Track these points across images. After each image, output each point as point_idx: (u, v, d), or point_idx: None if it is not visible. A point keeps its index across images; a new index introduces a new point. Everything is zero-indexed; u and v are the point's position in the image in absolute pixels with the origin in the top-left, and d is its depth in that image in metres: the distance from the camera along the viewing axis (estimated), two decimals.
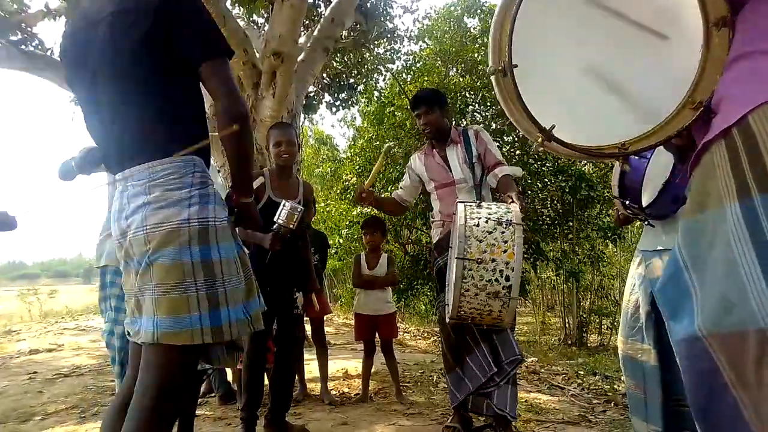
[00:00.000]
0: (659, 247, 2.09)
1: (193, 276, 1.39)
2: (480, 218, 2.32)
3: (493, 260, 2.22)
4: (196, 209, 1.41)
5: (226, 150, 1.48)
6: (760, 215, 0.79)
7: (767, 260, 0.78)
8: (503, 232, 2.25)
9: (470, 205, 2.40)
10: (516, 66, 1.08)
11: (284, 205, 2.49)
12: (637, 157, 1.99)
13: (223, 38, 1.47)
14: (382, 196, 3.31)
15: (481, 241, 2.25)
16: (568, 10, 1.12)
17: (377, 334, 3.80)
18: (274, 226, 2.48)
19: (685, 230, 0.93)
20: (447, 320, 2.43)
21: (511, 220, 2.28)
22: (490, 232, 2.26)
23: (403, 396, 3.70)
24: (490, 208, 2.37)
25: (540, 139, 1.09)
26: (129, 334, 1.58)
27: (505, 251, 2.23)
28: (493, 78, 1.13)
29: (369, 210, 8.26)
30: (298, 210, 2.48)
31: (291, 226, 2.47)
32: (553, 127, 1.08)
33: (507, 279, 2.21)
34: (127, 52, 1.41)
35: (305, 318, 3.64)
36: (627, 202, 2.13)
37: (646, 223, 2.18)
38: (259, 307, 1.57)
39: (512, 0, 1.07)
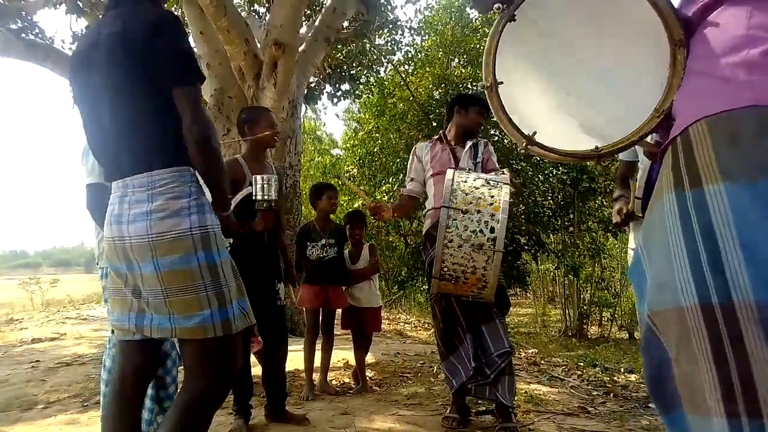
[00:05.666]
0: None
1: (202, 278, 1.54)
2: (469, 178, 2.37)
3: (479, 212, 2.24)
4: (196, 218, 1.54)
5: (198, 172, 1.61)
6: (689, 206, 0.92)
7: (692, 245, 0.90)
8: (490, 189, 2.30)
9: (460, 171, 2.46)
10: (501, 83, 1.30)
11: (256, 180, 2.48)
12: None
13: (194, 65, 1.56)
14: (397, 203, 3.25)
15: (467, 194, 2.28)
16: (550, 32, 1.31)
17: (363, 327, 3.81)
18: (256, 205, 2.48)
19: (644, 223, 1.07)
20: (432, 286, 2.46)
21: (498, 181, 2.34)
22: (477, 188, 2.31)
23: (367, 386, 3.71)
24: (479, 174, 2.46)
25: (524, 144, 1.29)
26: (113, 331, 1.73)
27: (491, 204, 2.26)
28: (486, 92, 1.34)
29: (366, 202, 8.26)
30: (272, 180, 2.48)
31: (270, 196, 2.47)
32: (534, 133, 1.28)
33: (492, 231, 2.22)
34: (121, 71, 1.52)
35: (319, 309, 3.69)
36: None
37: None
38: (248, 304, 1.71)
39: (496, 29, 1.29)
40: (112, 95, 1.54)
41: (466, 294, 2.49)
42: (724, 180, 0.90)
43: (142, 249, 1.52)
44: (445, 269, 2.32)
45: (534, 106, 1.36)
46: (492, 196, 2.26)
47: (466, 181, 2.32)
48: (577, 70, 1.31)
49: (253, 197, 2.47)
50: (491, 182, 2.33)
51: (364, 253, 3.83)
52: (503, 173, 2.56)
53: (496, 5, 1.28)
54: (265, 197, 2.45)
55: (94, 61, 1.56)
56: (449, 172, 2.41)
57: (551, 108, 1.36)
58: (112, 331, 2.35)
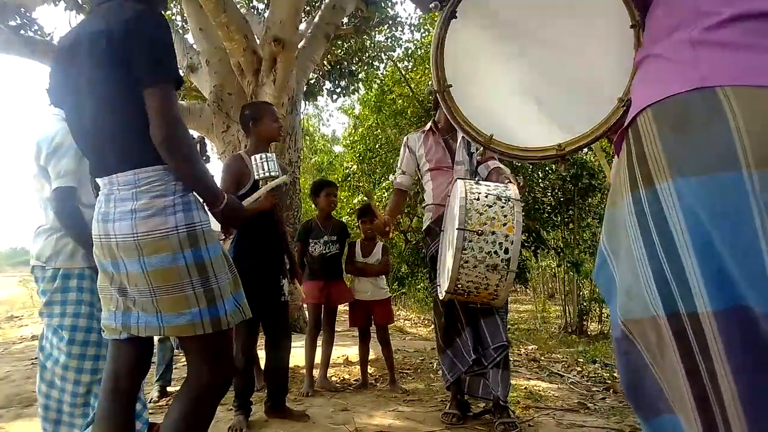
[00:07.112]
0: None
1: (189, 276, 1.52)
2: (480, 193, 2.37)
3: (493, 233, 2.26)
4: (182, 216, 1.52)
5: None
6: (645, 207, 0.85)
7: (652, 249, 0.84)
8: (503, 207, 2.31)
9: (469, 182, 2.46)
10: (451, 86, 1.25)
11: (254, 160, 2.47)
12: None
13: (167, 67, 1.51)
14: (389, 206, 3.17)
15: (481, 214, 2.29)
16: (500, 22, 1.24)
17: (372, 320, 3.81)
18: (260, 183, 2.47)
19: (606, 222, 1.00)
20: (442, 296, 2.46)
21: (510, 196, 2.35)
22: (490, 206, 2.31)
23: (397, 385, 3.70)
24: (489, 186, 2.44)
25: (481, 149, 1.22)
26: (103, 330, 1.70)
27: (504, 224, 2.28)
28: (437, 96, 1.28)
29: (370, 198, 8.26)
30: (267, 156, 2.46)
31: (270, 172, 2.45)
32: (491, 136, 1.24)
33: (506, 252, 2.25)
34: (103, 70, 1.50)
35: (322, 304, 3.69)
36: None
37: None
38: (244, 298, 1.70)
39: (439, 29, 1.23)
40: (96, 93, 1.52)
41: (475, 302, 2.50)
42: (672, 176, 0.82)
43: (128, 248, 1.51)
44: (459, 286, 2.35)
45: (493, 103, 1.30)
46: (505, 216, 2.28)
47: (478, 199, 2.32)
48: (533, 60, 1.23)
49: (255, 176, 2.47)
50: (502, 198, 2.34)
51: (377, 251, 3.82)
52: (510, 182, 2.55)
53: (432, 4, 1.22)
54: (267, 173, 2.45)
55: (78, 58, 1.55)
56: (460, 186, 2.39)
57: (510, 104, 1.29)
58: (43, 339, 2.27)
